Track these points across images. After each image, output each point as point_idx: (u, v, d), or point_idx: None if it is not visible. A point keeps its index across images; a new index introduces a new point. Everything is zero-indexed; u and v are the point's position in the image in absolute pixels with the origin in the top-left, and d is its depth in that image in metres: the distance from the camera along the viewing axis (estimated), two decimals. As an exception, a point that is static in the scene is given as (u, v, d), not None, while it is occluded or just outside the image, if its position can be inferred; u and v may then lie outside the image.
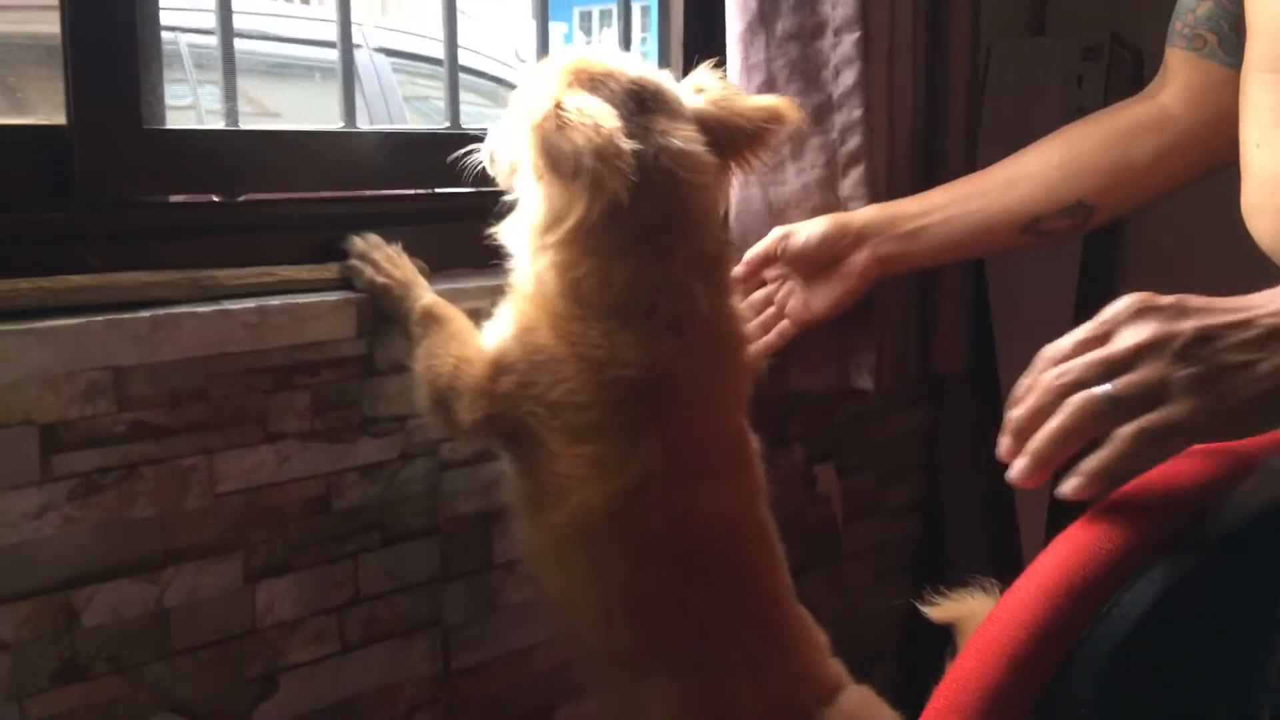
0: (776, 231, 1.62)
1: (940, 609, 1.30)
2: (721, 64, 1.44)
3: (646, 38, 1.94)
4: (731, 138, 1.32)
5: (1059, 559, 0.93)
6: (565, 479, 1.26)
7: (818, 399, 1.93)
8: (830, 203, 1.73)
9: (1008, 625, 0.88)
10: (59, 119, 1.25)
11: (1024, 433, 0.96)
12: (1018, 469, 0.97)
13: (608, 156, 1.14)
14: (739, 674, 1.28)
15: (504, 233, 1.34)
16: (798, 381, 1.79)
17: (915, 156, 1.88)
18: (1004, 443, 0.99)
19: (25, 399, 1.14)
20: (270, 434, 1.32)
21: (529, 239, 1.29)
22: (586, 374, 1.24)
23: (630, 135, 1.17)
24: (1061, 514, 2.22)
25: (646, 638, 1.28)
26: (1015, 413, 0.98)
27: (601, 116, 1.17)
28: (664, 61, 1.88)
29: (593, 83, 1.23)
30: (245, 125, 1.40)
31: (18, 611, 1.16)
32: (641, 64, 1.32)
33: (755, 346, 1.60)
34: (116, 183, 1.27)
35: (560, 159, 1.16)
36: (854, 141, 1.71)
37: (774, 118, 1.34)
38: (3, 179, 1.22)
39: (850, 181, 1.72)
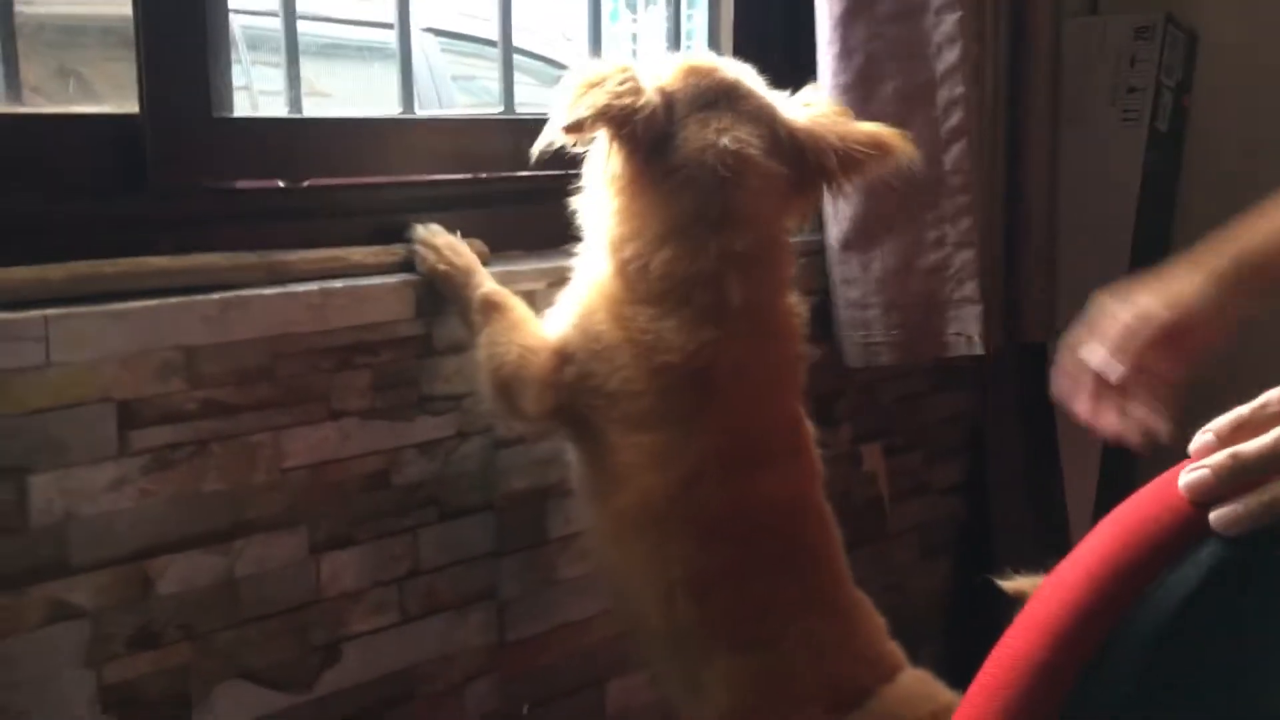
0: (1121, 306, 1.38)
1: (1014, 582, 1.31)
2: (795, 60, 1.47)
3: (692, 15, 1.96)
4: (825, 157, 1.33)
5: (1105, 539, 0.94)
6: (627, 466, 1.30)
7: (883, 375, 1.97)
8: (934, 179, 1.76)
9: (1052, 604, 0.90)
10: (124, 103, 1.29)
11: (1239, 476, 0.84)
12: (1225, 515, 0.84)
13: (614, 124, 1.22)
14: (798, 652, 1.31)
15: (581, 200, 1.38)
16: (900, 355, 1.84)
17: (999, 135, 1.92)
18: (1205, 449, 0.86)
19: (104, 377, 1.19)
20: (333, 411, 1.37)
21: (598, 209, 1.34)
22: (639, 360, 1.28)
23: (665, 124, 1.25)
24: (1110, 495, 2.23)
25: (707, 617, 1.31)
26: (1248, 449, 0.83)
27: (634, 90, 1.24)
28: (713, 45, 1.90)
29: (686, 76, 1.31)
30: (304, 109, 1.44)
31: (96, 580, 1.21)
32: (745, 71, 1.36)
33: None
34: (186, 169, 1.31)
35: (572, 108, 1.22)
36: (956, 117, 1.76)
37: (877, 146, 1.35)
38: (78, 166, 1.27)
39: (952, 156, 1.76)
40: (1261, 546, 0.93)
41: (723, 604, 1.31)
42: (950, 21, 1.73)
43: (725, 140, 1.27)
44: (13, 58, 1.25)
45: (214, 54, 1.30)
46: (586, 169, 1.35)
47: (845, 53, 1.75)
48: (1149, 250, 2.15)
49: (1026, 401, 2.21)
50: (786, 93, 1.41)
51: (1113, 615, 0.91)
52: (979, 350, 1.81)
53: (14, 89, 1.25)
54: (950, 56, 1.74)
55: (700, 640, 1.33)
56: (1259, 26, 2.09)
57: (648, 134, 1.26)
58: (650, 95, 1.27)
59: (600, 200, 1.33)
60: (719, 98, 1.30)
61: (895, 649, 1.40)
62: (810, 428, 1.42)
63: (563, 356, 1.33)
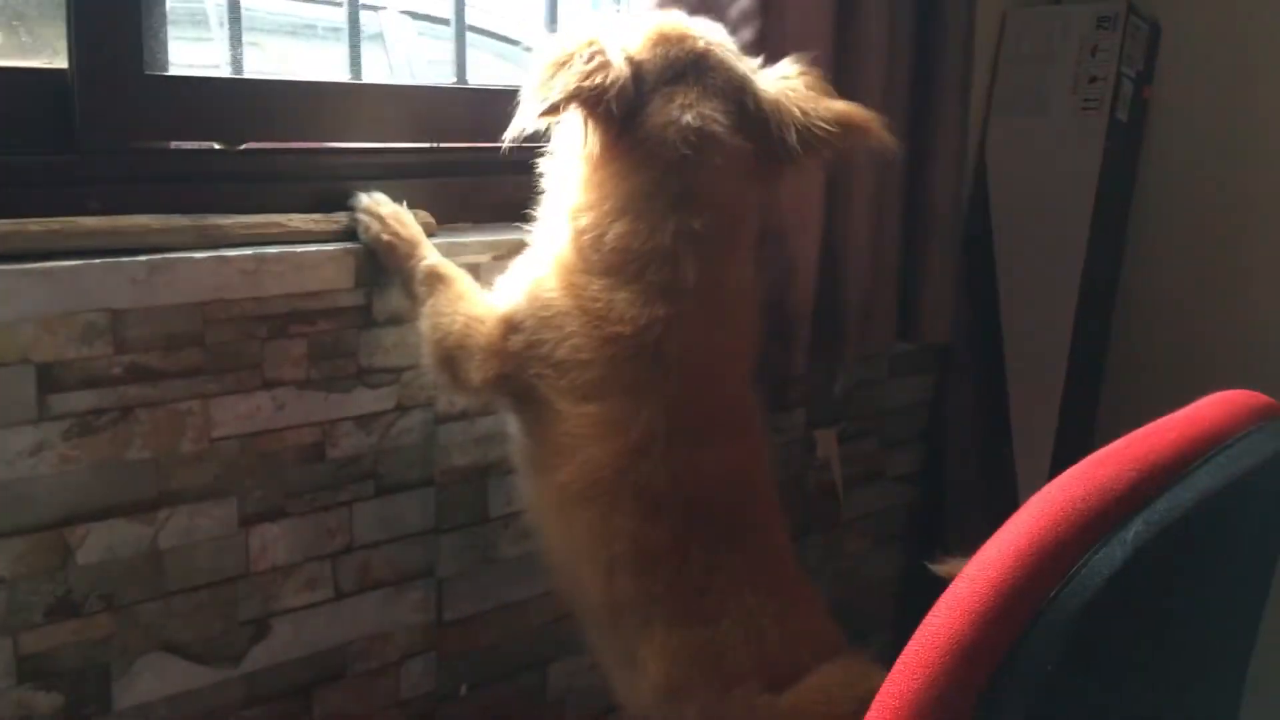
0: None
1: (946, 565, 1.30)
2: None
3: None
4: (786, 131, 1.30)
5: (1031, 518, 0.93)
6: (572, 437, 1.28)
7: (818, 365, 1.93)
8: None
9: (976, 582, 0.88)
10: (61, 62, 1.26)
11: None
12: None
13: (586, 104, 1.20)
14: (736, 629, 1.29)
15: (547, 162, 1.36)
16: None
17: (897, 119, 1.84)
18: None
19: (23, 338, 1.16)
20: (266, 381, 1.34)
21: (562, 169, 1.32)
22: (589, 329, 1.26)
23: (634, 98, 1.22)
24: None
25: (646, 592, 1.30)
26: None
27: (603, 67, 1.20)
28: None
29: (655, 43, 1.29)
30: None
31: (13, 547, 1.18)
32: (726, 43, 1.33)
33: None
34: (117, 128, 1.28)
35: (542, 90, 1.20)
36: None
37: (844, 125, 1.31)
38: (5, 121, 1.23)
39: None
40: (1186, 526, 0.93)
41: (662, 579, 1.29)
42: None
43: (689, 117, 1.25)
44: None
45: (148, 8, 1.27)
46: (556, 137, 1.33)
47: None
48: (1105, 238, 2.15)
49: (982, 390, 2.20)
50: (759, 60, 1.37)
51: (1039, 595, 0.90)
52: (799, 370, 1.75)
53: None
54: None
55: (638, 614, 1.31)
56: (1222, 18, 2.09)
57: (621, 109, 1.23)
58: (619, 69, 1.24)
59: (566, 168, 1.31)
60: (687, 69, 1.28)
61: (834, 629, 1.39)
62: (758, 406, 1.40)
63: (510, 325, 1.31)
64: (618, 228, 1.26)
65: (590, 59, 1.22)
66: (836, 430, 2.07)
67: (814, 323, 1.76)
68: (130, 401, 1.23)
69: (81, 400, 1.20)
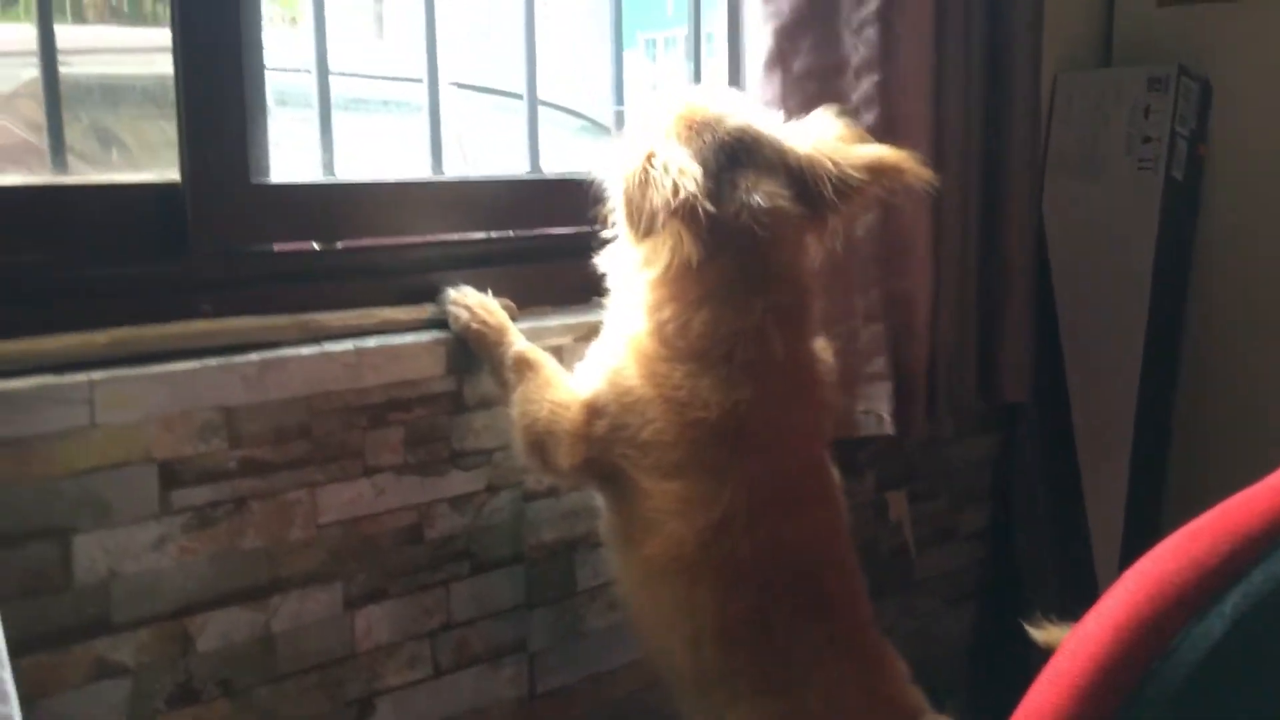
0: None
1: (1045, 632, 1.32)
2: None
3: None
4: (822, 185, 1.31)
5: (1128, 591, 0.95)
6: (657, 513, 1.32)
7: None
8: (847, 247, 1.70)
9: (1076, 657, 0.91)
10: (158, 160, 1.33)
11: None
12: None
13: (685, 217, 1.21)
14: (820, 697, 1.33)
15: (604, 261, 1.40)
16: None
17: (971, 196, 1.91)
18: None
19: (146, 438, 1.22)
20: (368, 468, 1.40)
21: (627, 272, 1.36)
22: (671, 415, 1.30)
23: (713, 192, 1.23)
24: (1136, 538, 2.23)
25: (732, 662, 1.33)
26: None
27: (684, 176, 1.22)
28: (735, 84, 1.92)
29: (692, 131, 1.30)
30: (337, 171, 1.48)
31: (138, 638, 1.24)
32: (748, 108, 1.36)
33: None
34: (226, 234, 1.35)
35: (640, 216, 1.23)
36: None
37: (877, 170, 1.33)
38: (123, 232, 1.31)
39: (864, 223, 1.72)
40: (1283, 598, 0.94)
41: (747, 649, 1.33)
42: (870, 83, 1.71)
43: (758, 198, 1.27)
44: (58, 129, 1.30)
45: (252, 122, 1.34)
46: (613, 224, 1.38)
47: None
48: (1167, 296, 2.17)
49: (1051, 446, 2.22)
50: (782, 115, 1.40)
51: (1138, 669, 0.93)
52: (889, 430, 1.75)
53: (59, 156, 1.29)
54: (868, 119, 1.70)
55: (725, 684, 1.34)
56: (1273, 75, 2.12)
57: (708, 210, 1.23)
58: (695, 171, 1.24)
59: (634, 265, 1.34)
60: (738, 150, 1.30)
61: (916, 693, 1.41)
62: (836, 474, 1.44)
63: (594, 410, 1.35)
64: (704, 315, 1.30)
65: (667, 170, 1.23)
66: (906, 491, 2.09)
67: (927, 383, 1.80)
68: (244, 494, 1.30)
69: (200, 495, 1.27)
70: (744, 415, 1.29)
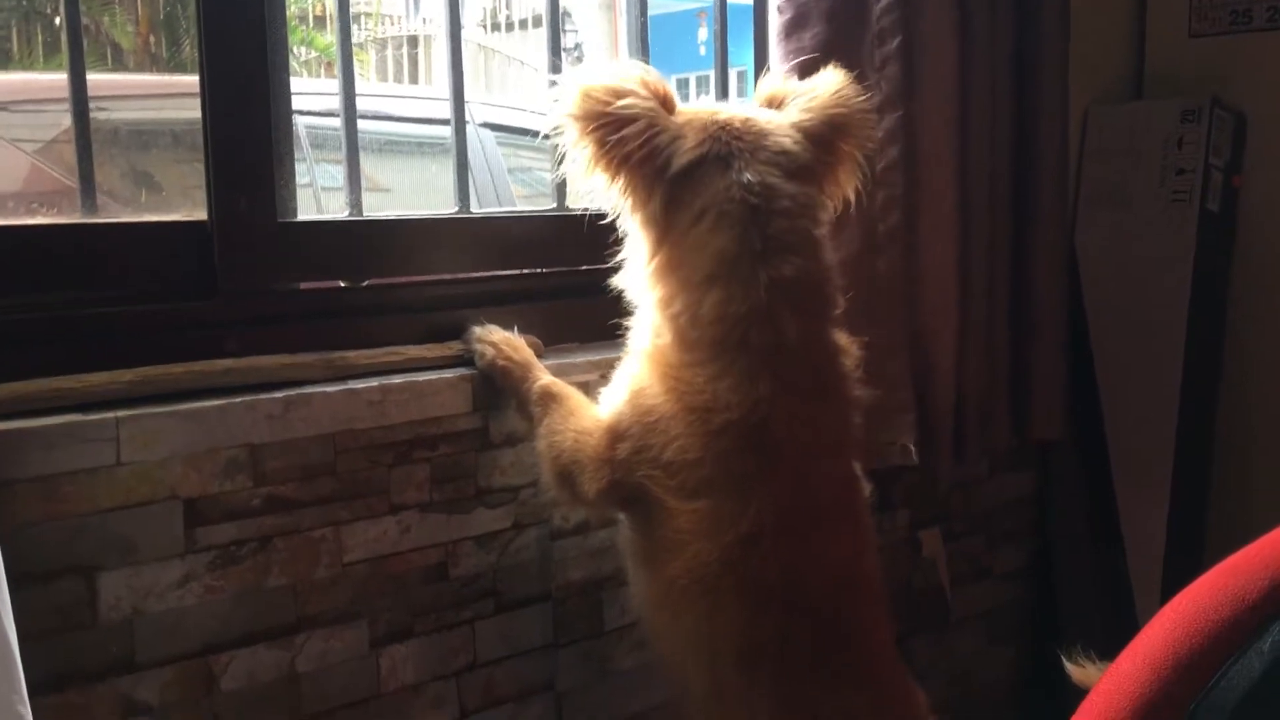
0: None
1: (1082, 670, 1.30)
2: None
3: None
4: (826, 138, 1.36)
5: (1165, 629, 0.93)
6: (681, 533, 1.30)
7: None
8: (867, 281, 1.70)
9: (1113, 696, 0.89)
10: (188, 203, 1.35)
11: None
12: None
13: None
14: None
15: (623, 279, 1.40)
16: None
17: (1002, 219, 1.89)
18: None
19: (172, 476, 1.23)
20: (393, 505, 1.39)
21: (639, 279, 1.36)
22: (695, 426, 1.29)
23: (703, 161, 1.28)
24: (1178, 578, 2.18)
25: (751, 684, 1.31)
26: None
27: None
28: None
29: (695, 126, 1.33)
30: (364, 207, 1.49)
31: (162, 676, 1.23)
32: (738, 106, 1.40)
33: None
34: (252, 273, 1.36)
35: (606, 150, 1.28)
36: (893, 218, 1.72)
37: (842, 99, 1.38)
38: (150, 271, 1.32)
39: (886, 259, 1.72)
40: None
41: (767, 671, 1.31)
42: (892, 119, 1.70)
43: (748, 175, 1.29)
44: (89, 171, 1.31)
45: (279, 162, 1.36)
46: (626, 248, 1.38)
47: None
48: (1204, 326, 2.14)
49: (1089, 483, 2.18)
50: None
51: (1177, 708, 0.90)
52: (914, 460, 1.73)
53: (89, 199, 1.31)
54: (891, 154, 1.70)
55: (740, 705, 1.33)
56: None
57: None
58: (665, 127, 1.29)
59: (641, 267, 1.35)
60: (729, 134, 1.32)
61: None
62: (865, 486, 1.42)
63: (616, 434, 1.34)
64: (713, 296, 1.28)
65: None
66: (941, 529, 2.06)
67: (954, 423, 1.78)
68: (269, 531, 1.29)
69: (224, 533, 1.27)
70: (766, 413, 1.27)
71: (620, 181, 1.30)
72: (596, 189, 1.34)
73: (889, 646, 1.41)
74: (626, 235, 1.38)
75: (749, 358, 1.28)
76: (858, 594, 1.37)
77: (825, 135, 1.37)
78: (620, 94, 1.28)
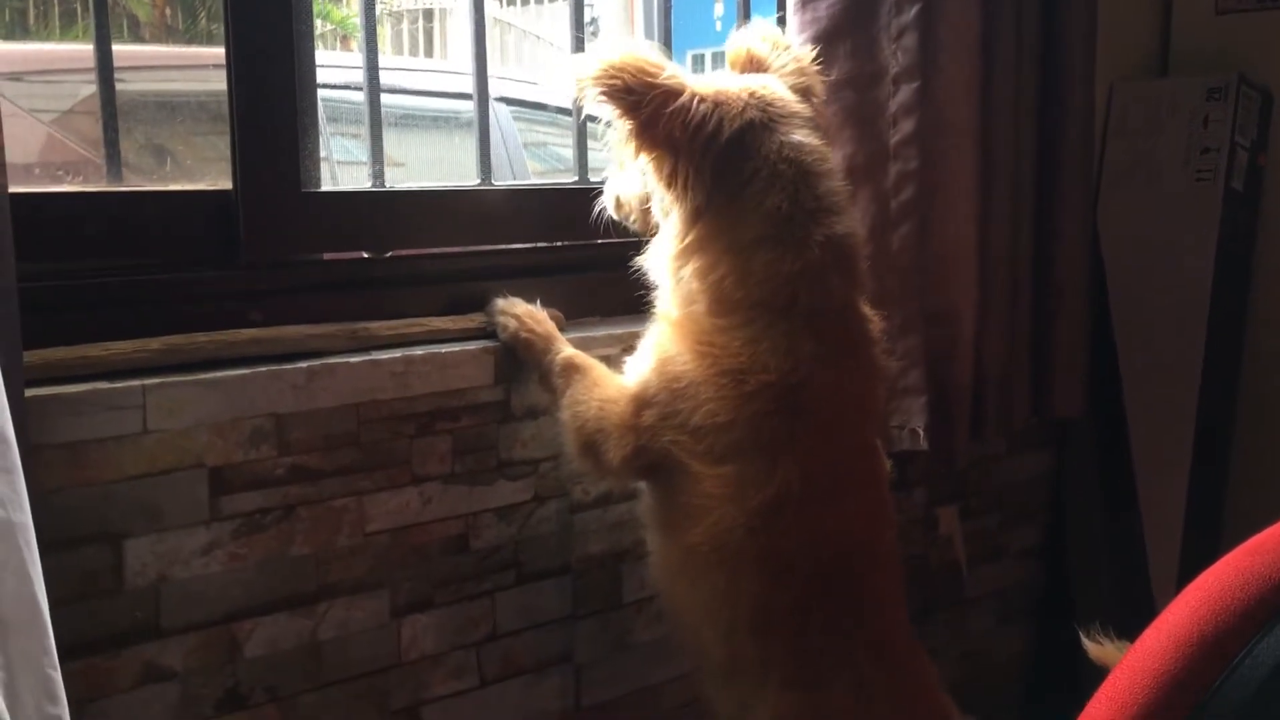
0: None
1: (1100, 648, 1.30)
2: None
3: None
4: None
5: (1189, 607, 0.93)
6: (706, 499, 1.30)
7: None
8: (880, 258, 1.69)
9: (1137, 674, 0.89)
10: (213, 177, 1.35)
11: None
12: None
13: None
14: (848, 693, 1.32)
15: (647, 259, 1.41)
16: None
17: (1025, 196, 1.88)
18: None
19: (197, 444, 1.23)
20: (415, 476, 1.40)
21: (669, 254, 1.35)
22: (728, 390, 1.28)
23: (752, 127, 1.30)
24: (1196, 558, 2.19)
25: (766, 653, 1.32)
26: None
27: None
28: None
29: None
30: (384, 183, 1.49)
31: (186, 642, 1.25)
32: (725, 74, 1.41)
33: None
34: (276, 243, 1.36)
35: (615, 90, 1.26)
36: (908, 192, 1.70)
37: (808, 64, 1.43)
38: (176, 241, 1.33)
39: (901, 234, 1.71)
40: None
41: (783, 641, 1.32)
42: (908, 91, 1.68)
43: (797, 136, 1.31)
44: (114, 139, 1.31)
45: (303, 132, 1.36)
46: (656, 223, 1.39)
47: None
48: (1227, 306, 2.13)
49: (1106, 462, 2.18)
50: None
51: (1202, 686, 0.90)
52: (923, 446, 1.71)
53: (115, 168, 1.31)
54: (906, 127, 1.69)
55: (755, 674, 1.34)
56: (1335, 84, 2.08)
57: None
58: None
59: (673, 239, 1.34)
60: (764, 103, 1.33)
61: (947, 701, 1.40)
62: (885, 461, 1.42)
63: (641, 401, 1.34)
64: (763, 255, 1.29)
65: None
66: (957, 507, 2.06)
67: (972, 401, 1.78)
68: (292, 500, 1.30)
69: (249, 501, 1.27)
70: (805, 376, 1.28)
71: (659, 155, 1.29)
72: (631, 164, 1.34)
73: (904, 621, 1.42)
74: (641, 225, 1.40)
75: (793, 320, 1.28)
76: (875, 567, 1.38)
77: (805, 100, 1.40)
78: (654, 68, 1.27)
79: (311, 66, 1.38)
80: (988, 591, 2.14)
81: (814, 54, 1.46)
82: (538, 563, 1.51)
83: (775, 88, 1.36)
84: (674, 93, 1.26)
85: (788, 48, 1.43)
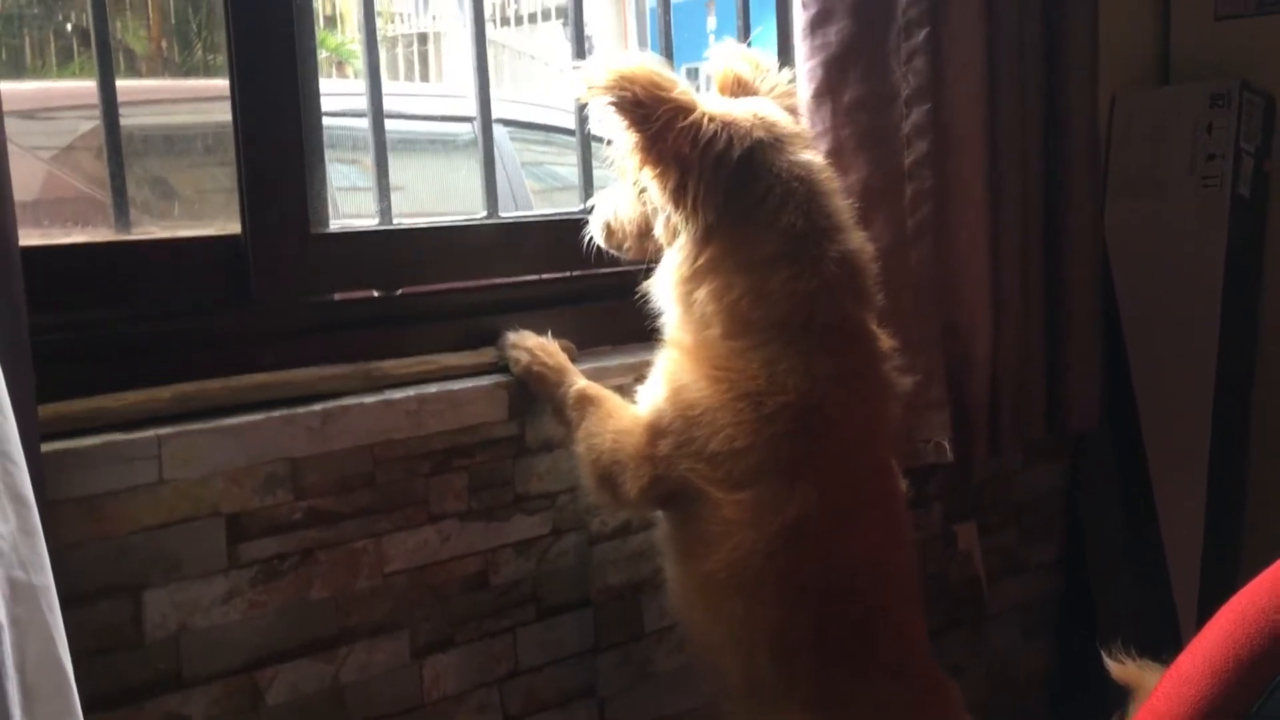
0: None
1: (1123, 668, 1.30)
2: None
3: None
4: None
5: (1223, 630, 0.92)
6: (724, 525, 1.29)
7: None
8: (898, 276, 1.67)
9: (1174, 701, 0.88)
10: (214, 209, 1.34)
11: None
12: None
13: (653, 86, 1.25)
14: (868, 714, 1.32)
15: (652, 284, 1.40)
16: None
17: (1034, 210, 1.88)
18: None
19: (213, 492, 1.23)
20: (432, 515, 1.39)
21: (678, 278, 1.34)
22: (745, 413, 1.27)
23: (761, 146, 1.30)
24: (1216, 570, 2.17)
25: (787, 676, 1.31)
26: None
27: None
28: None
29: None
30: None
31: (208, 693, 1.24)
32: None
33: None
34: (286, 286, 1.36)
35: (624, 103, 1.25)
36: (924, 210, 1.70)
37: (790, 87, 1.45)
38: (185, 287, 1.32)
39: (920, 252, 1.70)
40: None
41: (801, 663, 1.31)
42: (920, 113, 1.69)
43: (807, 155, 1.33)
44: (121, 185, 1.31)
45: (310, 173, 1.35)
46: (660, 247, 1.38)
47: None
48: (1238, 312, 2.12)
49: (1123, 474, 2.17)
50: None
51: (1239, 709, 0.89)
52: (949, 458, 1.71)
53: (122, 215, 1.31)
54: (920, 148, 1.69)
55: (775, 696, 1.33)
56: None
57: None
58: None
59: (682, 263, 1.33)
60: (769, 128, 1.33)
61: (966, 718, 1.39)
62: (901, 478, 1.42)
63: (656, 430, 1.33)
64: (780, 273, 1.28)
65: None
66: (975, 522, 2.05)
67: (989, 415, 1.77)
68: (310, 544, 1.29)
69: (267, 547, 1.26)
70: (822, 397, 1.27)
71: (665, 170, 1.28)
72: (632, 182, 1.34)
73: (923, 640, 1.41)
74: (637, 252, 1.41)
75: (808, 338, 1.28)
76: (893, 586, 1.38)
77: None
78: (667, 83, 1.27)
79: (317, 107, 1.37)
80: (1009, 606, 2.13)
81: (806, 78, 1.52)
82: (558, 596, 1.50)
83: (773, 109, 1.37)
84: (685, 109, 1.26)
85: (769, 70, 1.44)
